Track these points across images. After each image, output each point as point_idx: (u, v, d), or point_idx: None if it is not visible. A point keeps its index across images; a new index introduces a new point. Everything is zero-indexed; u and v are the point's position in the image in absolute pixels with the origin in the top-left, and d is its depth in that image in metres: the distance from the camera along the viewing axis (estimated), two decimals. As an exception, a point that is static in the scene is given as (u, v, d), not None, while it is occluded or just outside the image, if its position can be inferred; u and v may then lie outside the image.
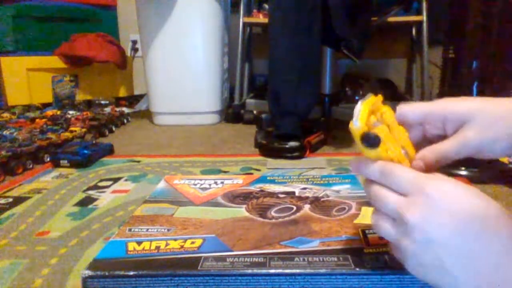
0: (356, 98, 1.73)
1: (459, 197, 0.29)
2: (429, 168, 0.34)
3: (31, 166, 0.97)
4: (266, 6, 1.62)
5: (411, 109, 0.37)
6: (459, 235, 0.28)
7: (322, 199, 0.57)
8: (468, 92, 1.41)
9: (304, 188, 0.61)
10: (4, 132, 1.15)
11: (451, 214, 0.29)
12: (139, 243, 0.45)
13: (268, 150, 1.05)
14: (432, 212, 0.29)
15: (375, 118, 0.35)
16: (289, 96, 1.05)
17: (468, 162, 0.85)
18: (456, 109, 0.35)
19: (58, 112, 1.50)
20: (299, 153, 1.02)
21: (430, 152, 0.35)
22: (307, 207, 0.54)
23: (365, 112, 0.34)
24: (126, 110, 1.74)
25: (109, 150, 1.09)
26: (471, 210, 0.29)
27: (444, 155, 0.35)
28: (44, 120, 1.34)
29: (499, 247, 0.28)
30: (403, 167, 0.33)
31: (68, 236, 0.60)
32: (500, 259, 0.27)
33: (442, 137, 0.37)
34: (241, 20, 1.64)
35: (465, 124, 0.34)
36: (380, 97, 0.36)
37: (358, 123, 0.34)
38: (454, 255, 0.28)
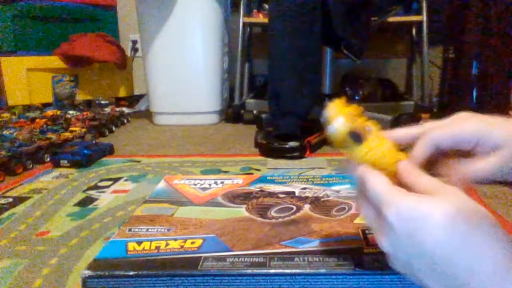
0: (356, 98, 1.73)
1: (411, 220, 0.29)
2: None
3: (31, 166, 0.97)
4: (266, 6, 1.62)
5: (442, 135, 0.36)
6: (430, 255, 0.28)
7: (322, 199, 0.57)
8: (468, 92, 1.41)
9: (304, 188, 0.61)
10: (4, 132, 1.15)
11: (408, 237, 0.29)
12: (139, 243, 0.45)
13: (268, 150, 1.05)
14: (393, 237, 0.30)
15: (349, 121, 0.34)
16: (289, 96, 1.05)
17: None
18: (489, 137, 0.35)
19: (58, 112, 1.50)
20: (299, 153, 1.02)
21: (472, 171, 0.35)
22: (307, 207, 0.54)
23: (342, 110, 0.34)
24: (126, 110, 1.74)
25: (109, 150, 1.09)
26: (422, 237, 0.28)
27: (483, 175, 0.35)
28: (44, 120, 1.34)
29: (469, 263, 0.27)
30: (377, 178, 0.32)
31: (68, 236, 0.60)
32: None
33: (464, 154, 0.37)
34: (241, 20, 1.65)
35: (497, 151, 0.35)
36: (343, 99, 0.35)
37: (340, 122, 0.33)
38: (425, 273, 0.29)
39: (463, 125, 0.36)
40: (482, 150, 0.35)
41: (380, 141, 0.34)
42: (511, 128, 0.35)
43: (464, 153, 0.37)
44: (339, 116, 0.34)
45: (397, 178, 0.33)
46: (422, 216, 0.28)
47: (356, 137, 0.33)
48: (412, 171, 0.33)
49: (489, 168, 0.35)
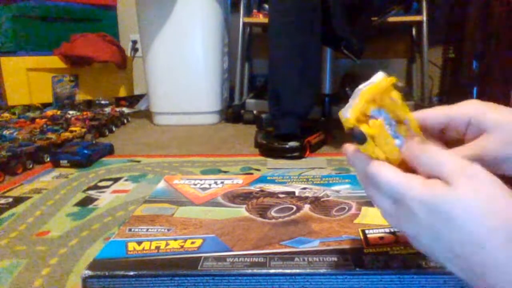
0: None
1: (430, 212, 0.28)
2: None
3: (31, 166, 0.97)
4: (266, 6, 1.62)
5: (433, 113, 0.35)
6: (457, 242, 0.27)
7: (322, 199, 0.57)
8: (468, 92, 1.41)
9: (304, 188, 0.61)
10: (4, 132, 1.15)
11: (429, 227, 0.28)
12: (139, 243, 0.45)
13: (268, 150, 1.05)
14: (419, 227, 0.29)
15: (376, 105, 0.31)
16: (289, 96, 1.05)
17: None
18: (483, 118, 0.33)
19: (58, 112, 1.50)
20: (299, 153, 1.02)
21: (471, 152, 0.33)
22: (307, 207, 0.54)
23: (361, 104, 0.31)
24: (126, 110, 1.74)
25: (109, 150, 1.09)
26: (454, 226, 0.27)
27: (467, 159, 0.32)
28: (44, 120, 1.34)
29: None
30: (389, 170, 0.31)
31: (68, 236, 0.60)
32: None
33: (460, 141, 0.35)
34: (241, 20, 1.65)
35: (486, 134, 0.33)
36: (392, 80, 0.32)
37: (348, 114, 0.31)
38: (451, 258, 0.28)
39: (460, 105, 0.35)
40: (472, 133, 0.34)
41: (388, 138, 0.32)
42: (508, 113, 0.33)
43: (457, 138, 0.35)
44: (350, 106, 0.31)
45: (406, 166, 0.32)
46: (445, 202, 0.27)
47: (358, 136, 0.32)
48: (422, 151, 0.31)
49: (474, 152, 0.32)
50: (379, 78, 0.32)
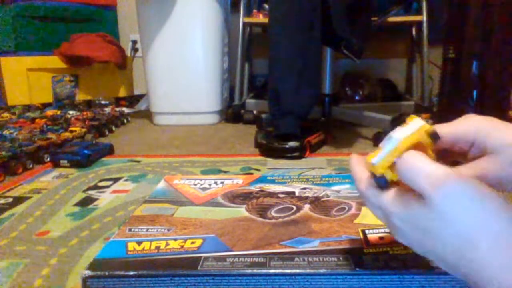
0: (356, 98, 1.73)
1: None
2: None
3: (31, 166, 0.97)
4: (266, 6, 1.62)
5: (443, 129, 0.34)
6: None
7: (322, 199, 0.57)
8: (468, 92, 1.41)
9: (304, 188, 0.61)
10: (4, 132, 1.15)
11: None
12: (139, 243, 0.45)
13: (268, 150, 1.05)
14: (409, 240, 0.30)
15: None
16: (289, 96, 1.05)
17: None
18: (487, 139, 0.33)
19: (58, 112, 1.50)
20: (299, 153, 1.02)
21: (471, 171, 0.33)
22: (307, 207, 0.54)
23: (394, 156, 0.29)
24: (126, 110, 1.74)
25: (109, 150, 1.09)
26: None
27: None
28: (44, 120, 1.34)
29: None
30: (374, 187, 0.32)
31: (68, 236, 0.60)
32: None
33: (463, 156, 0.35)
34: (241, 20, 1.64)
35: (489, 155, 0.32)
36: (431, 128, 0.30)
37: (376, 162, 0.30)
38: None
39: (465, 122, 0.34)
40: (477, 152, 0.33)
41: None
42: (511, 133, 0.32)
43: (462, 155, 0.35)
44: (382, 157, 0.30)
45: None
46: (422, 219, 0.28)
47: (381, 182, 0.30)
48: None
49: (473, 172, 0.32)
50: (418, 127, 0.30)
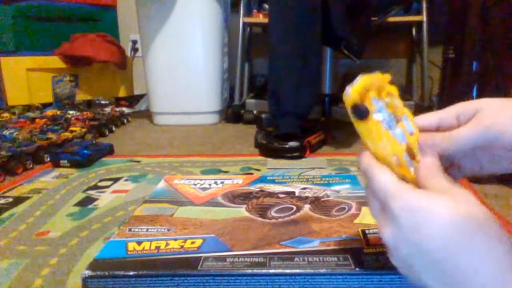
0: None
1: (422, 220, 0.29)
2: (442, 159, 0.33)
3: (31, 166, 0.97)
4: (266, 6, 1.62)
5: (426, 118, 0.36)
6: (434, 251, 0.28)
7: (322, 199, 0.57)
8: (468, 92, 1.41)
9: (304, 188, 0.61)
10: (4, 132, 1.15)
11: (412, 230, 0.29)
12: (139, 243, 0.45)
13: (268, 150, 1.05)
14: (396, 229, 0.30)
15: (376, 95, 0.33)
16: (289, 96, 1.05)
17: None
18: (468, 104, 0.35)
19: (58, 112, 1.50)
20: (299, 153, 1.02)
21: (446, 138, 0.33)
22: (307, 207, 0.54)
23: (361, 84, 0.32)
24: (126, 110, 1.74)
25: (109, 150, 1.09)
26: (437, 234, 0.28)
27: (459, 141, 0.33)
28: (44, 120, 1.34)
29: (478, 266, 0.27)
30: (383, 173, 0.32)
31: (68, 236, 0.60)
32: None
33: None
34: (241, 20, 1.64)
35: (477, 112, 0.34)
36: (387, 77, 0.33)
37: (350, 92, 0.32)
38: (429, 271, 0.29)
39: (449, 107, 0.36)
40: (464, 119, 0.35)
41: (391, 139, 0.32)
42: (498, 101, 0.34)
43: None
44: (351, 86, 0.32)
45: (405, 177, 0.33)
46: (428, 211, 0.28)
47: (359, 113, 0.32)
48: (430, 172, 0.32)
49: (469, 129, 0.33)
50: (377, 73, 0.33)
